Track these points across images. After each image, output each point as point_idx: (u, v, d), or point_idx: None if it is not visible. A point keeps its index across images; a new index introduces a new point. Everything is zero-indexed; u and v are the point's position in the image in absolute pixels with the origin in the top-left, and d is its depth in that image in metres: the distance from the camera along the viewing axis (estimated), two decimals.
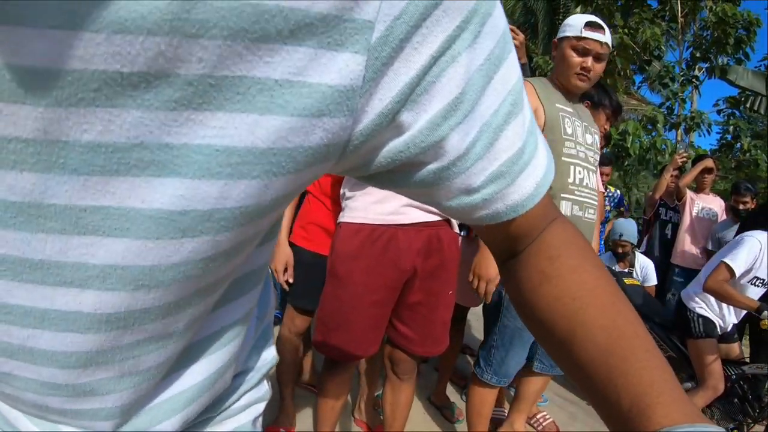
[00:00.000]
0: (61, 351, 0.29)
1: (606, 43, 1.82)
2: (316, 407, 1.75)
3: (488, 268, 1.79)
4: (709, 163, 3.89)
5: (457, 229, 1.68)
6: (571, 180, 1.83)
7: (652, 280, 3.65)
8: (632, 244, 3.57)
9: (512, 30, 2.20)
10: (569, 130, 1.84)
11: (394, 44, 0.27)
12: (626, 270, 3.62)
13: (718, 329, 2.64)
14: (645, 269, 3.64)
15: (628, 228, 3.57)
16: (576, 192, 1.84)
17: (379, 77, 0.27)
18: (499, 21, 0.32)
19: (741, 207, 3.59)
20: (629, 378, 0.33)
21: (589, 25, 1.80)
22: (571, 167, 1.83)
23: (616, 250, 3.55)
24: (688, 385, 2.71)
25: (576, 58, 1.82)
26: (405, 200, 1.54)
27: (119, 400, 0.33)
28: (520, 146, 0.35)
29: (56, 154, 0.23)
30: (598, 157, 1.97)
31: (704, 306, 2.64)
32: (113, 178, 0.24)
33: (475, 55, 0.30)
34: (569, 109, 1.87)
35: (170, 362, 0.35)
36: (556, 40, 1.91)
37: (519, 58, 2.14)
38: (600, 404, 0.35)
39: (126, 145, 0.23)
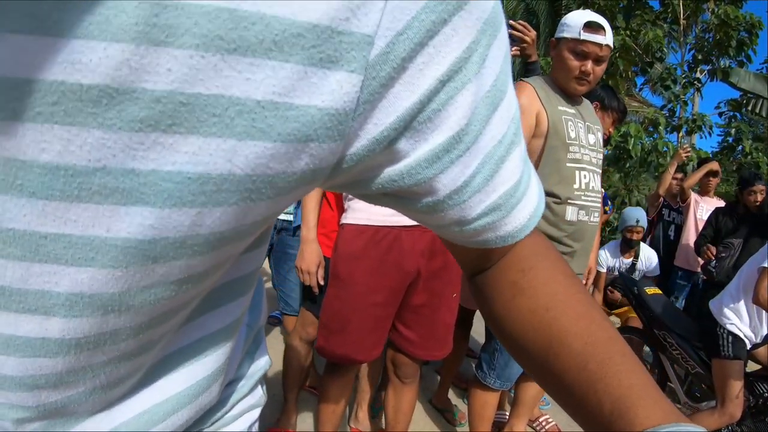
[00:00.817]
0: (29, 375, 0.27)
1: (606, 45, 1.73)
2: (318, 410, 1.74)
3: None
4: (714, 165, 3.87)
5: None
6: (577, 186, 1.79)
7: (656, 271, 3.65)
8: (644, 229, 3.55)
9: (524, 26, 2.15)
10: (572, 134, 1.79)
11: (396, 63, 0.24)
12: (631, 260, 3.59)
13: (748, 347, 2.44)
14: (649, 260, 3.63)
15: (642, 214, 3.55)
16: (582, 197, 1.80)
17: (376, 100, 0.25)
18: (504, 41, 0.30)
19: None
20: (608, 381, 0.32)
21: (589, 26, 1.71)
22: (577, 172, 1.79)
23: (630, 237, 3.51)
24: (713, 403, 2.53)
25: (575, 62, 1.75)
26: None
27: (90, 407, 0.32)
28: (518, 178, 0.34)
29: (13, 174, 0.21)
30: (601, 157, 1.92)
31: (736, 321, 2.43)
32: (74, 205, 0.22)
33: (483, 81, 0.28)
34: (571, 111, 1.83)
35: (144, 371, 0.33)
36: (554, 39, 1.84)
37: (530, 56, 2.10)
38: (580, 412, 0.34)
39: (87, 168, 0.21)
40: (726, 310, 2.45)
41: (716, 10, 8.77)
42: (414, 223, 1.54)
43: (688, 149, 4.05)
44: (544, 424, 2.59)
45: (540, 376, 0.38)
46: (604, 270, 3.58)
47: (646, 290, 2.91)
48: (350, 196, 1.61)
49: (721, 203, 3.92)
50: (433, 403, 2.62)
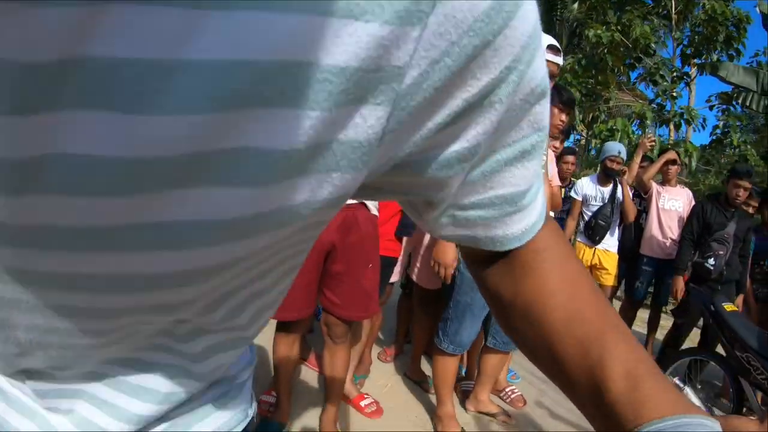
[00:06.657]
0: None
1: (559, 65, 2.14)
2: (272, 368, 2.06)
3: (446, 254, 2.08)
4: (671, 154, 3.94)
5: (374, 212, 1.97)
6: None
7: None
8: (624, 161, 3.82)
9: None
10: None
11: (428, 93, 0.22)
12: (610, 189, 3.81)
13: None
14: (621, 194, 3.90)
15: (623, 149, 3.84)
16: None
17: (401, 128, 0.23)
18: (542, 57, 0.28)
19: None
20: (607, 373, 0.32)
21: (550, 48, 2.08)
22: None
23: (610, 166, 3.76)
24: None
25: None
26: None
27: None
28: (523, 189, 0.33)
29: None
30: (546, 159, 2.22)
31: None
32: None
33: (515, 99, 0.26)
34: None
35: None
36: None
37: None
38: (578, 403, 0.35)
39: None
40: None
41: (706, 4, 8.86)
42: None
43: (653, 138, 4.17)
44: (510, 393, 2.81)
45: (542, 364, 0.38)
46: (579, 198, 3.91)
47: (725, 307, 2.66)
48: None
49: (685, 191, 4.00)
50: (408, 376, 2.87)
